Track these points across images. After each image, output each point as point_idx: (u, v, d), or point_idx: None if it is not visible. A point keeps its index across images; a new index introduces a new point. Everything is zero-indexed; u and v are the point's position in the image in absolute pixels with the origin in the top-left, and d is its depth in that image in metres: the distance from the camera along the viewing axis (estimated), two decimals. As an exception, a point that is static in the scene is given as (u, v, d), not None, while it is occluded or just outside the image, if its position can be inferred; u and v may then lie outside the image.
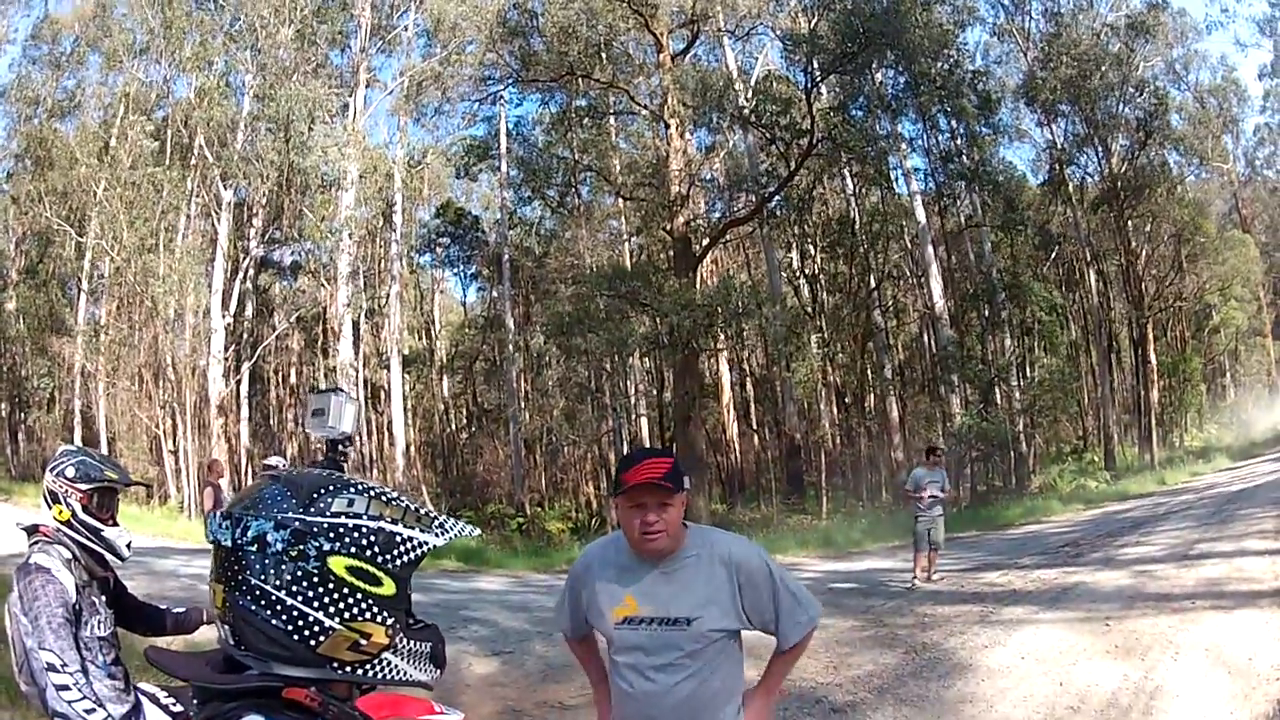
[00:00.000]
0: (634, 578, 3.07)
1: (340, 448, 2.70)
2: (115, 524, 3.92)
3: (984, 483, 30.19)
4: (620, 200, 32.07)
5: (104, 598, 3.89)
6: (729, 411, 32.58)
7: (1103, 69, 35.07)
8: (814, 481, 30.41)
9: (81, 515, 3.80)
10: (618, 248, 35.44)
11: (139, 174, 29.99)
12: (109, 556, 3.91)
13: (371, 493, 1.66)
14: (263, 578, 1.54)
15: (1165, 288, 37.76)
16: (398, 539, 1.62)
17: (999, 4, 38.78)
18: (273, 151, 30.80)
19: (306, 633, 1.55)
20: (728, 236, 32.24)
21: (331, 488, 1.64)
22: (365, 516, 1.61)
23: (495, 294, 36.90)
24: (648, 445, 30.18)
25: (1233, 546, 13.47)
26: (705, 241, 29.29)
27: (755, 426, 34.69)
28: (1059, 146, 37.02)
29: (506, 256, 34.41)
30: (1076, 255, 37.90)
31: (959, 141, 34.25)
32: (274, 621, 1.55)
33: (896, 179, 35.13)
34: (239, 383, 31.46)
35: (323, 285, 33.16)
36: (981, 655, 8.84)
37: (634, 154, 33.91)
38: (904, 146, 34.43)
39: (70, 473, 3.83)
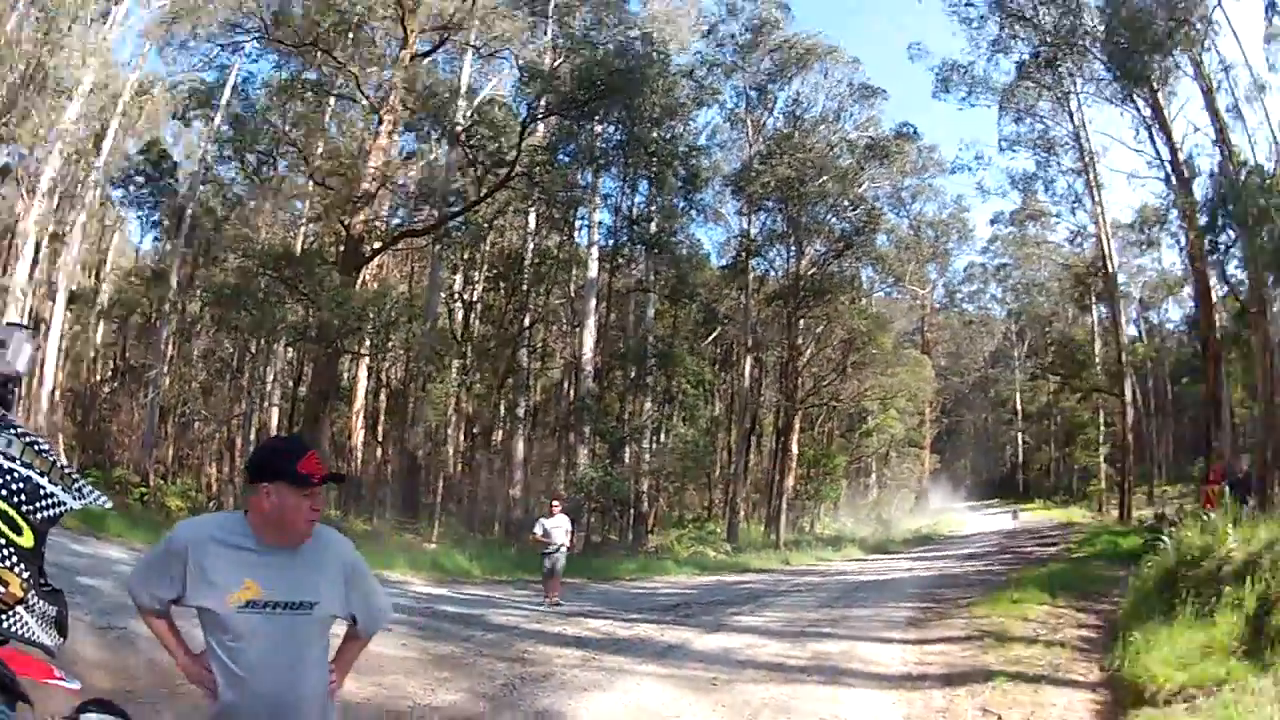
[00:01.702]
0: (256, 562, 3.05)
1: (9, 385, 2.43)
2: None
3: (600, 534, 30.84)
4: (311, 183, 31.48)
5: None
6: (358, 418, 32.16)
7: (825, 179, 36.64)
8: (429, 504, 30.35)
9: None
10: (294, 230, 34.66)
11: None
12: None
13: (28, 439, 1.66)
14: None
15: (823, 386, 39.67)
16: (42, 492, 1.63)
17: (744, 93, 40.78)
18: (28, 44, 29.00)
19: None
20: (400, 245, 32.19)
21: None
22: (19, 462, 1.61)
23: (169, 247, 35.53)
24: (274, 433, 29.89)
25: (859, 630, 13.68)
26: (377, 245, 29.13)
27: (381, 439, 34.54)
28: (751, 238, 38.41)
29: (190, 211, 33.21)
30: (739, 340, 39.21)
31: (653, 208, 35.27)
32: None
33: (580, 228, 36.15)
34: None
35: (22, 197, 31.29)
36: (581, 698, 8.72)
37: (339, 141, 33.35)
38: (597, 200, 35.19)
39: None
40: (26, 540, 1.63)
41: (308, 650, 3.15)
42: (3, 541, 1.59)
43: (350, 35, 29.39)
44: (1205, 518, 13.28)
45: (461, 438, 34.29)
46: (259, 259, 27.94)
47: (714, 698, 8.85)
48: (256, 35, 30.98)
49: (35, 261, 31.23)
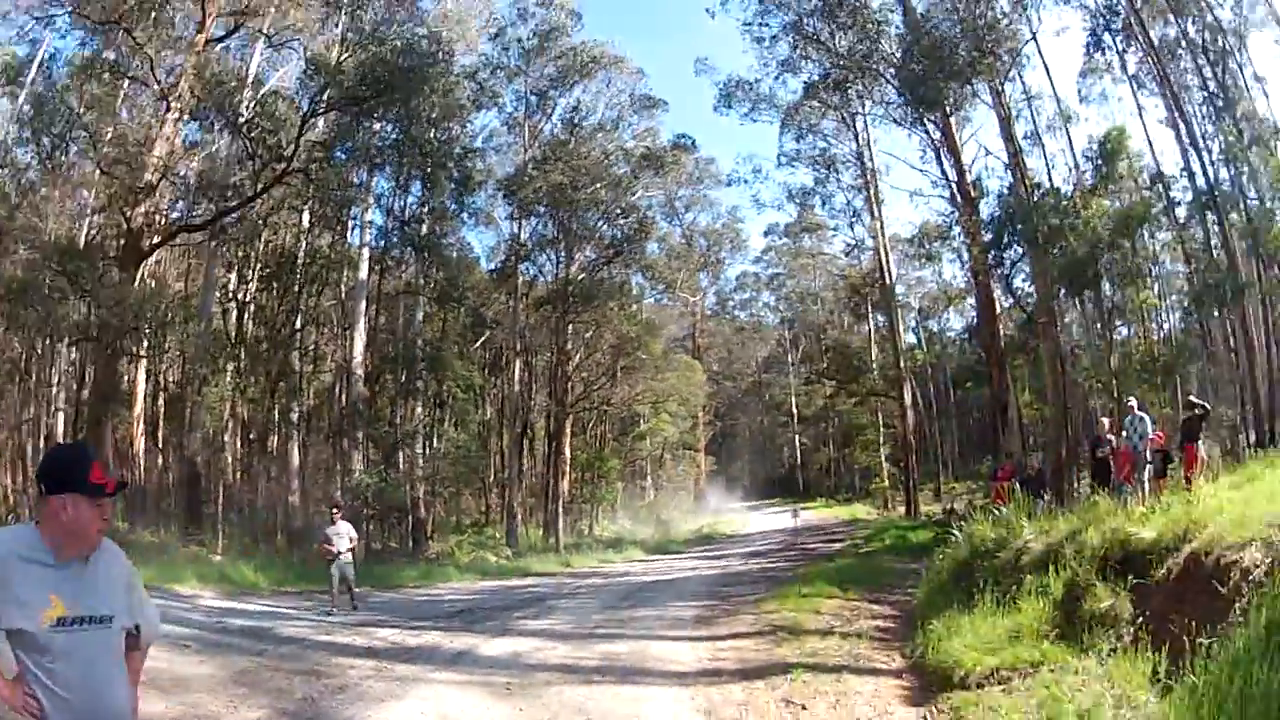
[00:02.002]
0: (56, 578, 3.01)
1: None
2: None
3: (380, 542, 30.86)
4: (99, 172, 30.81)
5: None
6: (138, 424, 31.09)
7: (598, 185, 37.47)
8: (211, 514, 29.80)
9: None
10: (80, 221, 33.59)
11: None
12: None
13: None
14: None
15: (595, 390, 40.76)
16: None
17: (525, 98, 40.97)
18: None
19: None
20: (178, 241, 31.60)
21: None
22: None
23: (-44, 234, 34.06)
24: (60, 439, 28.91)
25: (648, 629, 13.79)
26: (156, 239, 28.52)
27: (161, 445, 33.47)
28: (521, 242, 38.92)
29: (-22, 198, 32.05)
30: (508, 344, 39.72)
31: (425, 209, 35.49)
32: None
33: (352, 229, 36.01)
34: None
35: None
36: (377, 707, 8.61)
37: (129, 127, 32.58)
38: (370, 200, 35.22)
39: None
40: None
41: (115, 664, 3.14)
42: None
43: (153, 15, 28.68)
44: (997, 512, 14.79)
45: (239, 444, 33.47)
46: (45, 252, 27.06)
47: (511, 703, 8.85)
48: (69, 9, 30.18)
49: None
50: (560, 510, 37.31)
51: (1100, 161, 30.90)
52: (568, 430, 39.61)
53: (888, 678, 9.30)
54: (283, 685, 9.52)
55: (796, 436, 73.97)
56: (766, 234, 67.72)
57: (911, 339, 57.79)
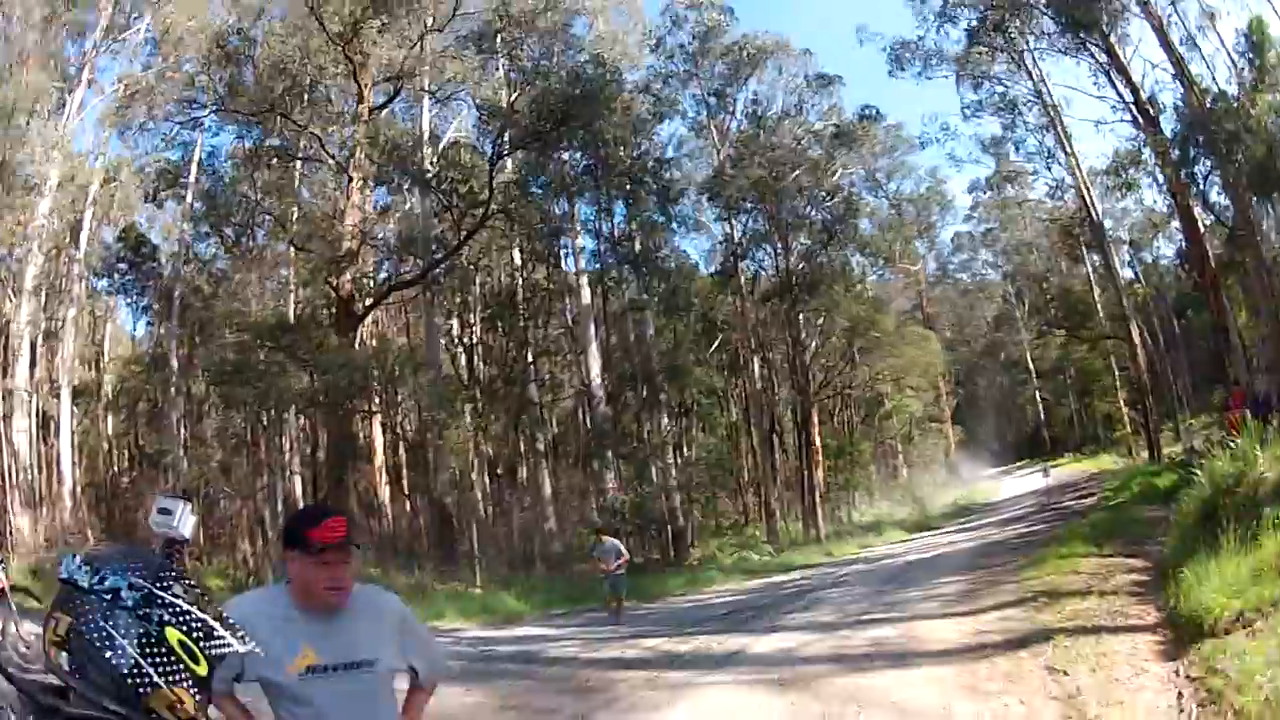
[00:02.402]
0: (307, 629, 3.08)
1: (176, 548, 2.79)
2: None
3: (641, 555, 30.16)
4: (293, 249, 31.35)
5: None
6: (381, 474, 31.88)
7: (797, 172, 36.51)
8: (467, 551, 30.15)
9: None
10: (284, 298, 34.46)
11: None
12: None
13: (198, 591, 1.89)
14: (110, 623, 1.74)
15: (835, 376, 39.53)
16: (215, 634, 1.86)
17: (704, 100, 40.71)
18: None
19: (138, 682, 1.74)
20: (391, 298, 31.94)
21: (173, 576, 1.87)
22: (195, 609, 1.84)
23: (163, 331, 35.29)
24: (300, 504, 29.50)
25: (911, 612, 13.57)
26: (369, 301, 28.93)
27: (407, 492, 34.22)
28: (736, 241, 38.39)
29: (178, 293, 33.00)
30: (742, 343, 39.10)
31: (633, 226, 35.18)
32: (114, 662, 1.73)
33: (565, 257, 35.92)
34: None
35: (9, 297, 31.15)
36: (650, 717, 8.65)
37: (314, 204, 33.14)
38: (577, 226, 35.02)
39: None
40: (202, 669, 1.85)
41: (374, 708, 3.17)
42: (182, 667, 1.81)
43: (305, 97, 29.41)
44: (1233, 445, 13.42)
45: (487, 480, 33.72)
46: (254, 332, 27.89)
47: (784, 698, 8.66)
48: (214, 108, 30.93)
49: (33, 360, 31.16)
50: (817, 500, 36.44)
51: (1251, 55, 28.90)
52: (815, 420, 38.39)
53: (1144, 633, 9.05)
54: (552, 705, 9.62)
55: (1036, 393, 70.98)
56: (970, 190, 65.24)
57: (1129, 274, 54.51)
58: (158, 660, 1.79)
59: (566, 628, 18.47)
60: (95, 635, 1.77)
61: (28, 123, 29.36)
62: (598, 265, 35.56)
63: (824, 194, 37.80)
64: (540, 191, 32.41)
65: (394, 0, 27.81)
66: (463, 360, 34.76)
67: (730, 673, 10.47)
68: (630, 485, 31.31)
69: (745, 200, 36.91)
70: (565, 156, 32.27)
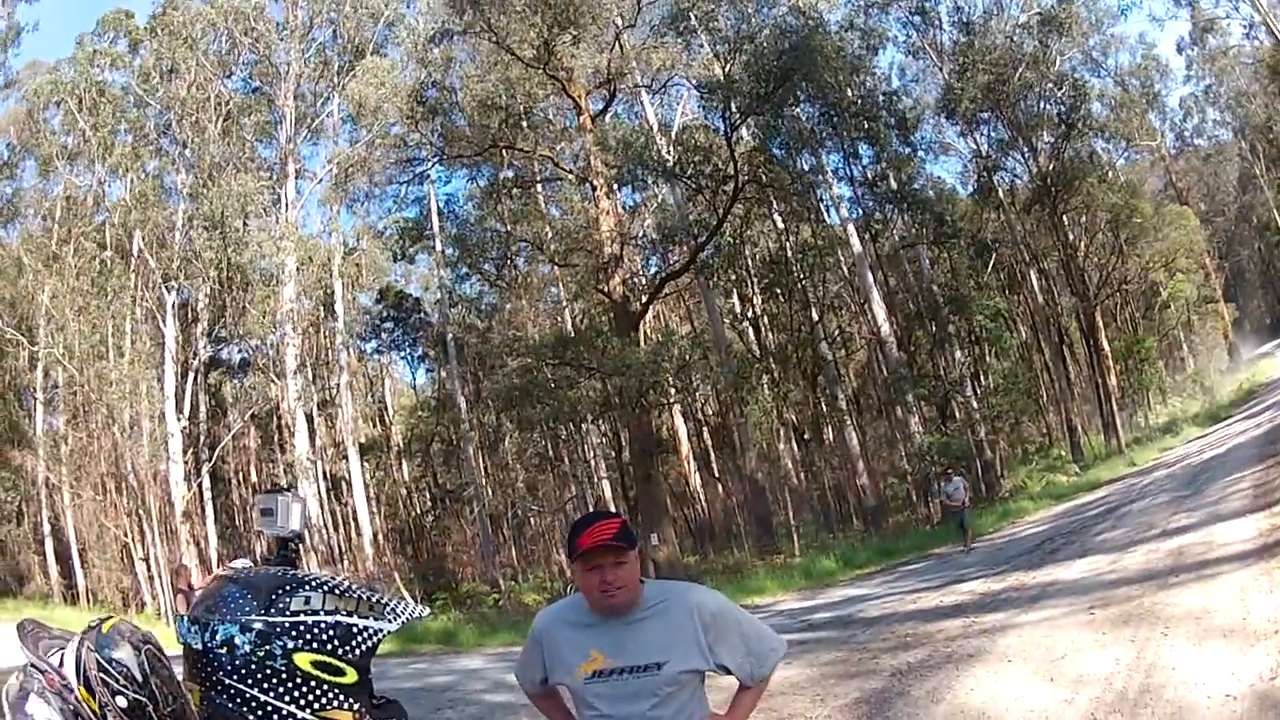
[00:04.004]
0: (598, 633, 3.12)
1: (290, 545, 2.66)
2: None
3: (942, 499, 30.33)
4: (555, 267, 31.88)
5: None
6: (689, 463, 32.38)
7: (1019, 70, 35.18)
8: (783, 521, 30.31)
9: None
10: (559, 315, 35.28)
11: (85, 280, 30.13)
12: None
13: (325, 588, 1.79)
14: (235, 678, 1.68)
15: (1109, 274, 37.90)
16: (354, 630, 1.76)
17: (909, 23, 39.32)
18: (209, 250, 30.87)
19: None
20: (666, 290, 32.08)
21: (288, 587, 1.77)
22: (322, 612, 1.74)
23: (444, 374, 36.59)
24: (611, 507, 30.47)
25: (1209, 514, 13.37)
26: (644, 299, 29.22)
27: (717, 475, 34.49)
28: (984, 154, 37.26)
29: (451, 335, 34.12)
30: (1015, 258, 38.05)
31: (883, 165, 34.39)
32: (251, 718, 1.66)
33: (826, 210, 35.41)
34: (200, 485, 31.43)
35: (273, 381, 32.92)
36: (967, 665, 8.67)
37: (565, 220, 33.79)
38: (829, 177, 34.50)
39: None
40: (350, 678, 1.75)
41: (662, 709, 3.10)
42: (326, 687, 1.72)
43: (524, 124, 29.76)
44: None
45: (794, 446, 34.02)
46: (535, 353, 28.41)
47: (1095, 630, 8.72)
48: (434, 160, 31.78)
49: (312, 430, 32.57)
50: (1114, 409, 35.02)
51: None
52: (1099, 322, 36.72)
53: None
54: (870, 666, 9.67)
55: (1291, 254, 66.32)
56: (1179, 50, 61.61)
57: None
58: (296, 694, 1.71)
59: (884, 584, 18.59)
60: (224, 698, 1.70)
61: (244, 224, 30.80)
62: (859, 211, 34.98)
63: (1051, 85, 36.07)
64: (782, 151, 31.95)
65: (575, 11, 27.77)
66: (750, 334, 34.94)
67: (1043, 608, 10.55)
68: (934, 425, 30.80)
69: (980, 111, 35.77)
70: (797, 111, 31.74)
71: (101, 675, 3.14)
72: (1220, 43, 55.06)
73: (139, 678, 3.14)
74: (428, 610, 2.17)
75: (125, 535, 29.33)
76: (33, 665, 3.07)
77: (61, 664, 3.21)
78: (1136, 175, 47.36)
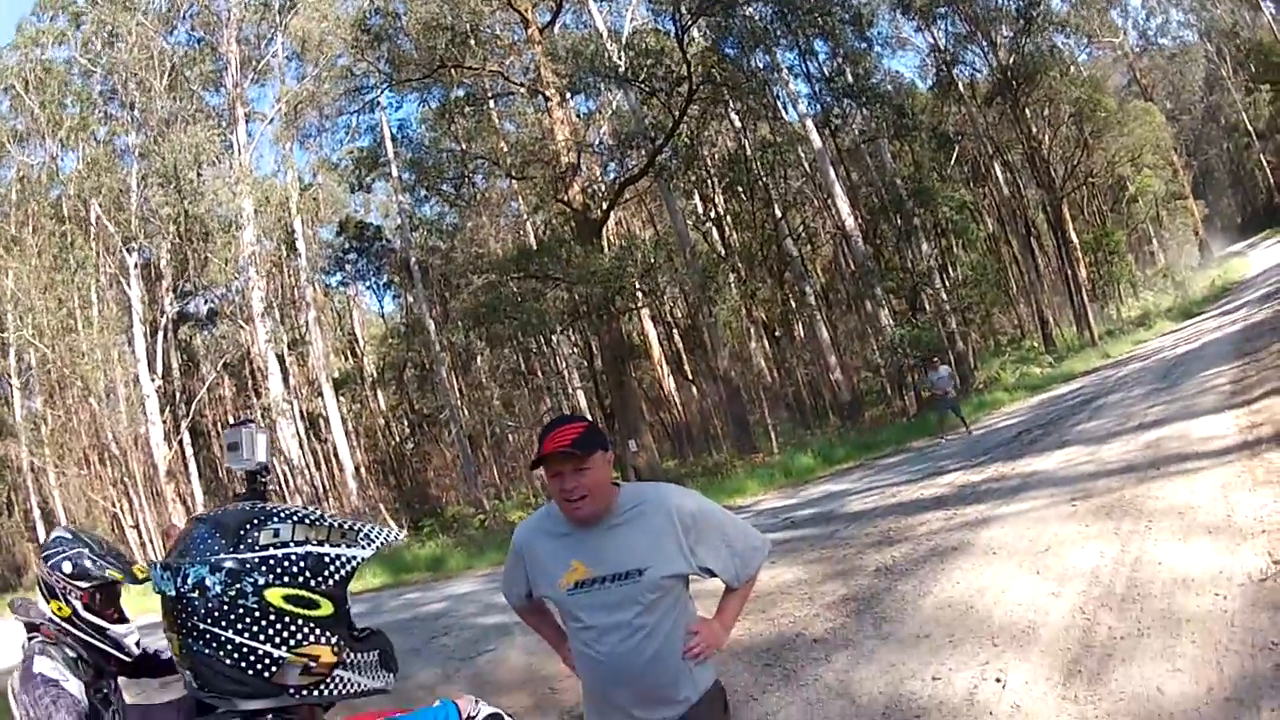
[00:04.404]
0: (576, 543, 3.09)
1: (259, 478, 2.72)
2: (123, 620, 3.59)
3: (927, 389, 30.38)
4: (514, 181, 31.65)
5: (114, 683, 3.60)
6: (661, 366, 32.57)
7: (976, -39, 34.68)
8: (759, 420, 30.56)
9: (83, 614, 3.45)
10: (521, 229, 35.19)
11: (47, 258, 29.96)
12: (116, 654, 3.56)
13: (295, 518, 1.70)
14: (208, 621, 1.58)
15: (1075, 167, 37.85)
16: (326, 559, 1.67)
17: (860, -89, 38.84)
18: (166, 206, 30.78)
19: (259, 666, 1.59)
20: (626, 196, 31.74)
21: (256, 521, 1.67)
22: (292, 544, 1.65)
23: (411, 299, 36.47)
24: (587, 415, 30.15)
25: (1188, 410, 13.38)
26: (604, 205, 28.92)
27: (691, 377, 34.56)
28: (942, 49, 36.91)
29: (414, 260, 33.99)
30: (979, 151, 37.99)
31: (839, 60, 34.06)
32: (227, 661, 1.59)
33: (784, 107, 35.03)
34: (181, 443, 31.49)
35: (241, 327, 32.84)
36: (951, 559, 8.71)
37: (520, 133, 33.53)
38: (785, 74, 34.18)
39: (67, 568, 3.44)
40: (326, 610, 1.68)
41: (646, 617, 3.06)
42: (301, 621, 1.64)
43: (471, 42, 29.41)
44: None
45: (766, 345, 34.36)
46: (499, 269, 28.42)
47: (1077, 521, 8.73)
48: (384, 86, 31.47)
49: (285, 371, 32.50)
50: (1085, 300, 35.25)
51: None
52: (1066, 215, 36.81)
53: None
54: (855, 563, 9.74)
55: (1260, 156, 66.43)
56: (1143, -55, 61.91)
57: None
58: (271, 632, 1.62)
59: (863, 479, 18.45)
60: (200, 644, 1.62)
61: (198, 175, 30.54)
62: (818, 107, 34.63)
63: (1009, -23, 35.98)
64: (735, 50, 31.65)
65: None
66: (714, 234, 34.88)
67: (1024, 499, 10.54)
68: (904, 318, 30.81)
69: (937, 5, 35.39)
70: (750, 10, 31.28)
71: (56, 579, 3.42)
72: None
73: (87, 566, 3.44)
74: (403, 533, 2.08)
75: (113, 505, 29.50)
76: (28, 628, 3.45)
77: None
78: (1100, 71, 47.24)
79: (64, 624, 3.40)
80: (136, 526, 28.86)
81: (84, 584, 3.42)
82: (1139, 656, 5.33)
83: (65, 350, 29.57)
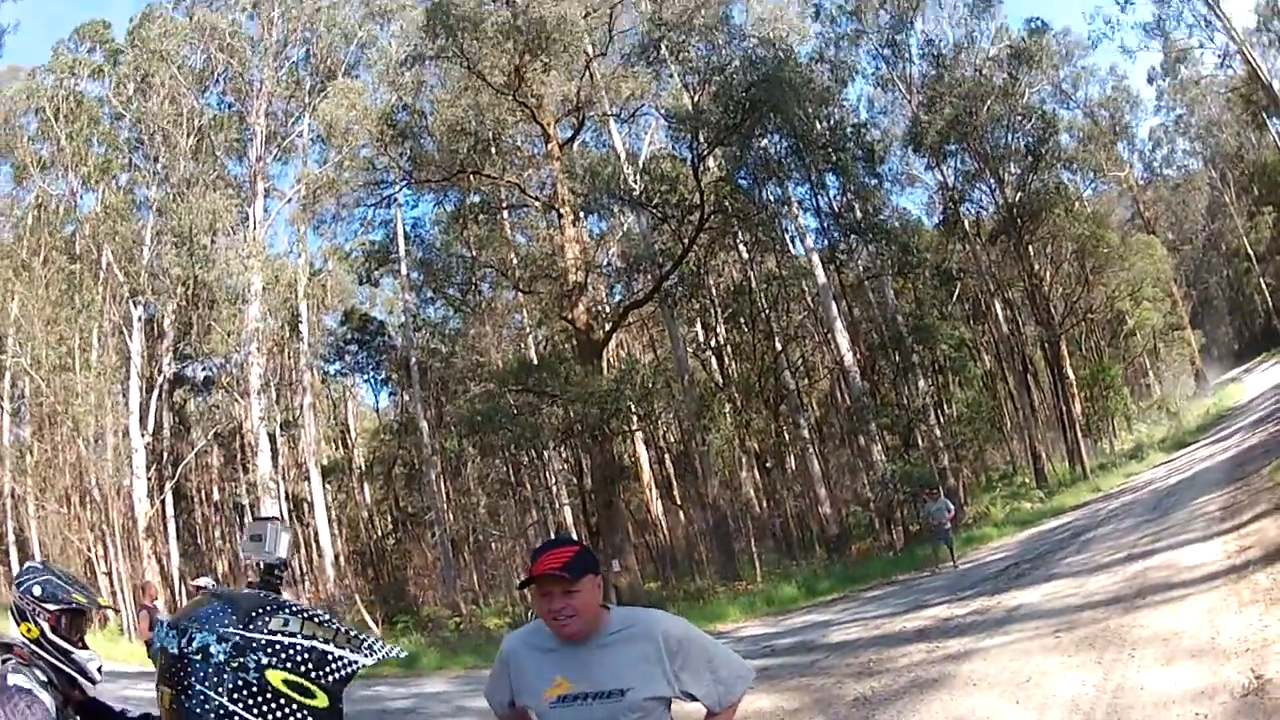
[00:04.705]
0: (562, 659, 3.10)
1: (276, 572, 2.65)
2: (85, 646, 3.76)
3: (916, 523, 29.82)
4: (520, 293, 31.82)
5: (77, 719, 3.75)
6: (651, 490, 32.51)
7: (988, 103, 35.52)
8: (745, 548, 30.40)
9: (50, 635, 3.63)
10: (523, 341, 35.39)
11: (54, 291, 29.92)
12: (80, 679, 3.74)
13: (305, 614, 1.82)
14: (206, 684, 1.70)
15: (1074, 303, 38.23)
16: (330, 657, 1.78)
17: (879, 55, 39.70)
18: (177, 266, 30.87)
19: None
20: (630, 318, 32.07)
21: (269, 608, 1.80)
22: (300, 635, 1.77)
23: (407, 397, 36.60)
24: (573, 533, 30.37)
25: (1176, 539, 13.47)
26: (607, 327, 29.08)
27: (679, 502, 34.55)
28: (950, 186, 37.53)
29: (414, 359, 34.17)
30: (980, 288, 38.30)
31: (849, 196, 34.46)
32: None
33: (791, 240, 35.63)
34: (163, 502, 31.23)
35: (237, 399, 32.81)
36: (931, 691, 8.67)
37: (530, 246, 33.65)
38: (795, 208, 34.69)
39: (36, 591, 3.66)
40: (321, 702, 1.76)
41: None
42: (295, 706, 1.73)
43: (492, 150, 29.61)
44: None
45: (756, 475, 34.45)
46: (498, 379, 28.53)
47: (1060, 654, 8.77)
48: (403, 183, 31.72)
49: (275, 451, 32.46)
50: (1078, 435, 35.39)
51: None
52: (1064, 352, 37.31)
53: None
54: (834, 692, 9.72)
55: (1260, 280, 66.86)
56: (1150, 81, 62.67)
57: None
58: (265, 708, 1.73)
59: (847, 610, 18.51)
60: (194, 702, 1.72)
61: (212, 242, 30.71)
62: (825, 242, 34.97)
63: (1020, 117, 36.46)
64: (748, 182, 32.01)
65: (546, 39, 27.62)
66: (713, 363, 35.21)
67: (1008, 633, 10.57)
68: (897, 453, 30.78)
69: (947, 143, 36.04)
70: (764, 143, 31.80)
71: (26, 602, 3.58)
72: (1192, 73, 55.90)
73: (55, 591, 3.61)
74: (404, 651, 2.22)
75: (88, 550, 29.13)
76: (2, 649, 3.57)
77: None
78: (1104, 205, 48.02)
79: (33, 646, 3.58)
80: (110, 574, 28.52)
81: (52, 606, 3.62)
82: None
83: (60, 387, 29.32)
